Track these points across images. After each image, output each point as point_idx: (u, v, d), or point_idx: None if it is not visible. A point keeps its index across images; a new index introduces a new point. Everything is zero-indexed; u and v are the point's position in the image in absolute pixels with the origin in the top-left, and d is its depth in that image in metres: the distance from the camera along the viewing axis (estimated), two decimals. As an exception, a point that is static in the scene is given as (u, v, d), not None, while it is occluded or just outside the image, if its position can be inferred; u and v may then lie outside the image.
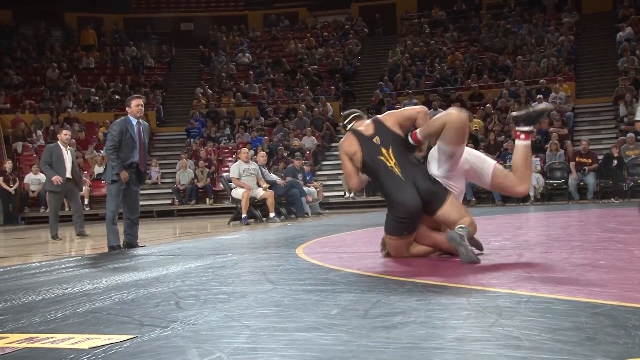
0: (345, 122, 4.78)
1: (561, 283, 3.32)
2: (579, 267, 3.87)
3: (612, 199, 13.80)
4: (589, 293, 2.99)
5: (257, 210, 11.94)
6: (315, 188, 14.47)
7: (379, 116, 4.80)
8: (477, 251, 4.40)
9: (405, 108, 4.82)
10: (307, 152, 17.44)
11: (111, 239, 7.05)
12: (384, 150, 4.50)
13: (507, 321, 2.47)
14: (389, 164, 4.48)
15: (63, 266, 5.58)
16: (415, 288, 3.40)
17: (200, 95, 21.37)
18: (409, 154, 4.57)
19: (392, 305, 3.02)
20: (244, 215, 11.31)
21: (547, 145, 15.32)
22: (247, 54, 23.48)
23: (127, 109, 7.21)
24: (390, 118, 4.65)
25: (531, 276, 3.60)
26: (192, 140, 19.27)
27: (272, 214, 11.64)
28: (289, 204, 13.08)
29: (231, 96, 21.23)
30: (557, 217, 9.38)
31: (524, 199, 14.44)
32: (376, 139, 4.52)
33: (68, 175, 10.03)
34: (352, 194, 16.20)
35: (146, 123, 7.60)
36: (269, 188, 11.96)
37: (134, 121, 7.11)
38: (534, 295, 3.00)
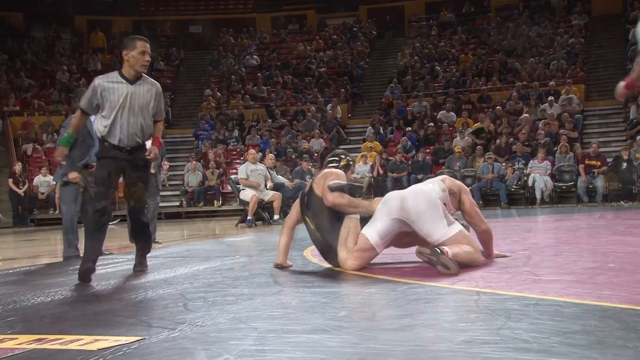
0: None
1: (570, 286, 3.30)
2: (589, 270, 3.85)
3: (621, 202, 13.72)
4: (598, 296, 2.97)
5: (265, 212, 11.95)
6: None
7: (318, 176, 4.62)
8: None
9: (327, 189, 4.37)
10: (315, 154, 17.45)
11: (66, 249, 6.30)
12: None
13: (516, 324, 2.46)
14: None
15: (72, 268, 5.59)
16: (424, 290, 3.39)
17: (209, 97, 21.42)
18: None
19: (401, 308, 3.01)
20: (249, 217, 11.31)
21: (556, 148, 15.25)
22: (255, 57, 23.51)
23: None
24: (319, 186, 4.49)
25: (540, 279, 3.58)
26: (200, 142, 19.31)
27: (276, 216, 11.63)
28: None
29: (239, 98, 21.26)
30: (565, 220, 9.34)
31: (532, 201, 14.36)
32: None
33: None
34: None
35: None
36: (277, 190, 11.96)
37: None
38: (542, 298, 2.98)
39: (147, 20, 25.63)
